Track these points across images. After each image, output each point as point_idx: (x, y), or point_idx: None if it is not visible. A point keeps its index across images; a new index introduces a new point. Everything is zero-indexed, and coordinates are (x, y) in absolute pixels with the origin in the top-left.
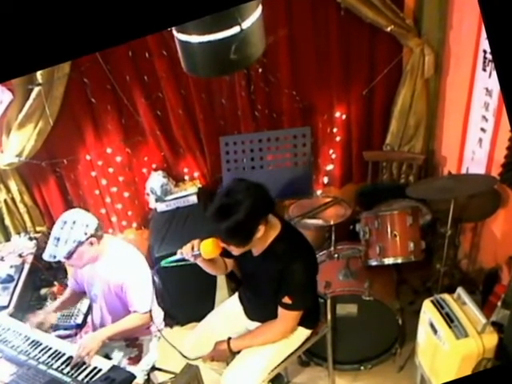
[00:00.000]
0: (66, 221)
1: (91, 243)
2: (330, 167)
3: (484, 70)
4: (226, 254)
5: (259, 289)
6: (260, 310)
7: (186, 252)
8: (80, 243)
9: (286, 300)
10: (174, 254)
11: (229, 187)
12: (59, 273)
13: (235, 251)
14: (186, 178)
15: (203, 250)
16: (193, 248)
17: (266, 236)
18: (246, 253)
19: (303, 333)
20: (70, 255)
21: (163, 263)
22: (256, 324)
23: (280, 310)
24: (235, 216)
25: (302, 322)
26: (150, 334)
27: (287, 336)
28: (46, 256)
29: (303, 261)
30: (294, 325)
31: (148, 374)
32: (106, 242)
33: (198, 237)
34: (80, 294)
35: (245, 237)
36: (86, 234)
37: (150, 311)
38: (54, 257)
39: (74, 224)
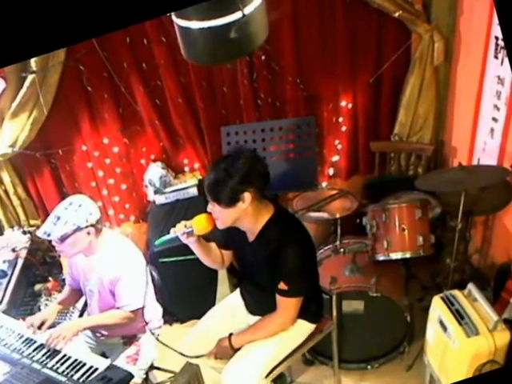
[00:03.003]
0: (72, 202)
1: (88, 233)
2: (335, 158)
3: (496, 57)
4: (222, 245)
5: (258, 279)
6: (260, 302)
7: (178, 230)
8: (79, 228)
9: (282, 286)
10: (174, 248)
11: (231, 151)
12: (54, 268)
13: (220, 218)
14: (186, 169)
15: (195, 226)
16: (185, 226)
17: (258, 217)
18: (242, 240)
19: (306, 327)
20: (64, 238)
21: (156, 243)
22: (258, 318)
23: (278, 298)
24: (227, 173)
25: (304, 315)
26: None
27: (287, 327)
28: (40, 232)
29: (296, 244)
30: (294, 314)
31: (146, 373)
32: (104, 235)
33: None
34: (80, 292)
35: (228, 197)
36: (87, 221)
37: (138, 310)
38: (49, 235)
39: (80, 207)
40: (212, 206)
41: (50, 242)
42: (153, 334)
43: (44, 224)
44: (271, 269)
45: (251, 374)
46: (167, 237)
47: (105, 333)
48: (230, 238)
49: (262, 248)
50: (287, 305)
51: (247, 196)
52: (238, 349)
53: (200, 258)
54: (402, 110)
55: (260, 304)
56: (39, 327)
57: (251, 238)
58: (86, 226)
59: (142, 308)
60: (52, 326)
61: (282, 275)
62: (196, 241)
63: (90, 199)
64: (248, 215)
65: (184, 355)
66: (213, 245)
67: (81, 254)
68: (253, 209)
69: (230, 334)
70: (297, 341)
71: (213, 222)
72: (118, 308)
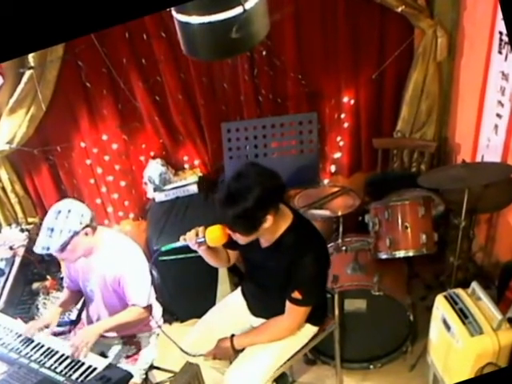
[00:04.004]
0: (61, 210)
1: (86, 234)
2: (337, 155)
3: (500, 52)
4: (230, 245)
5: (266, 282)
6: (265, 305)
7: (189, 238)
8: (75, 233)
9: (296, 295)
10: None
11: (240, 171)
12: (52, 266)
13: (241, 240)
14: (186, 166)
15: (209, 237)
16: (197, 234)
17: (276, 227)
18: (253, 244)
19: (310, 330)
20: (64, 247)
21: (163, 249)
22: (261, 320)
23: (288, 305)
24: (243, 203)
25: (309, 319)
26: (149, 331)
27: (294, 333)
28: (38, 249)
29: (315, 253)
30: (302, 321)
31: (146, 373)
32: (101, 234)
33: None
34: (79, 293)
35: (251, 225)
36: (81, 223)
37: (150, 305)
38: (48, 248)
39: (69, 213)
40: (231, 232)
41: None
42: (160, 327)
43: (39, 240)
44: (284, 277)
45: (255, 378)
46: (176, 244)
47: (114, 335)
48: None
49: (278, 255)
50: (298, 313)
51: (269, 218)
52: (239, 350)
53: (206, 259)
54: (405, 106)
55: (264, 306)
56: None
57: (265, 243)
58: (82, 228)
59: (150, 305)
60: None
61: (297, 284)
62: (206, 248)
63: (76, 201)
64: (267, 229)
65: (187, 353)
66: (219, 246)
67: None
68: (273, 223)
69: (232, 335)
70: (300, 343)
71: (227, 235)
72: (133, 305)
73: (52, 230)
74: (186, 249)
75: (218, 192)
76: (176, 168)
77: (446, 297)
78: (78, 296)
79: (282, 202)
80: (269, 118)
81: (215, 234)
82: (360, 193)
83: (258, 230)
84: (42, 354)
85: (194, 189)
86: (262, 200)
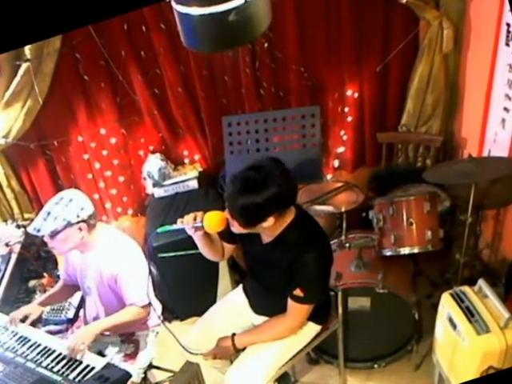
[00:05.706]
0: (63, 197)
1: (80, 229)
2: (341, 149)
3: (507, 44)
4: (227, 237)
5: (267, 280)
6: (267, 303)
7: (186, 222)
8: (69, 224)
9: (298, 292)
10: (173, 243)
11: (262, 163)
12: (49, 263)
13: (236, 228)
14: (186, 161)
15: (206, 223)
16: (195, 218)
17: (278, 223)
18: (255, 239)
19: (313, 328)
20: (55, 234)
21: (159, 230)
22: (262, 318)
23: (290, 303)
24: (254, 196)
25: (312, 317)
26: (147, 329)
27: (296, 331)
28: (30, 228)
29: (317, 250)
30: (305, 319)
31: (145, 373)
32: (99, 231)
33: None
34: (72, 288)
35: (252, 220)
36: (78, 216)
37: (149, 304)
38: (39, 230)
39: (70, 202)
40: (229, 216)
41: (42, 238)
42: (163, 323)
43: (35, 220)
44: (286, 274)
45: (257, 377)
46: (173, 227)
47: (112, 333)
48: (239, 233)
49: (279, 252)
50: (300, 311)
51: (270, 220)
52: (240, 349)
53: (200, 249)
54: (410, 100)
55: (266, 304)
56: (22, 321)
57: (266, 239)
58: (78, 222)
59: (148, 304)
60: (39, 321)
61: (299, 282)
62: (203, 235)
63: (82, 194)
64: (268, 227)
65: (186, 350)
66: (215, 236)
67: (76, 250)
68: (274, 222)
69: (233, 334)
70: (303, 342)
71: (225, 222)
72: (130, 305)
73: (49, 213)
74: (183, 242)
75: (233, 175)
76: (176, 163)
77: (451, 295)
78: (71, 291)
79: (291, 206)
80: (271, 112)
81: (213, 220)
82: (364, 188)
83: (255, 226)
84: (38, 353)
85: (194, 184)
86: (273, 200)
